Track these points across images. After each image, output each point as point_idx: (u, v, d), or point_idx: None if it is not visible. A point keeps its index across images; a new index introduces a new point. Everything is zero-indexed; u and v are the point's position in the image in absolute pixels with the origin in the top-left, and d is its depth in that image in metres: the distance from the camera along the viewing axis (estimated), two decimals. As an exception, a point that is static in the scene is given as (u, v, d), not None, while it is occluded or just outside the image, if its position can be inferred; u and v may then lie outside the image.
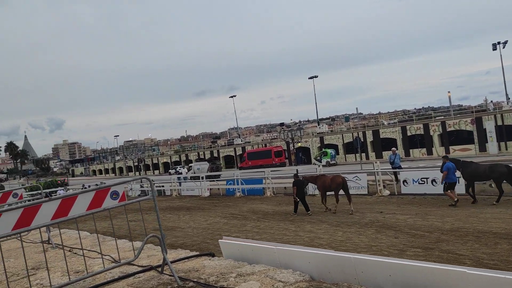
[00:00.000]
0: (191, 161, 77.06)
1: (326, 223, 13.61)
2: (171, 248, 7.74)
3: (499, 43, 48.40)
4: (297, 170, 26.15)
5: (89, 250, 6.82)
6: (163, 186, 33.23)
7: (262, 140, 78.51)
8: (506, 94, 49.19)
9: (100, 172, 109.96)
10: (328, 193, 16.41)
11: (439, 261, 7.95)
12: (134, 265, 5.60)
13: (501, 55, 48.68)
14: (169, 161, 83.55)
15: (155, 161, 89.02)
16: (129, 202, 5.23)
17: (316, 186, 16.79)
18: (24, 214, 4.22)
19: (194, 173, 41.76)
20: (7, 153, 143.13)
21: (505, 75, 48.70)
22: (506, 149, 39.18)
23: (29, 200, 11.27)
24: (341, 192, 15.87)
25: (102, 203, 4.67)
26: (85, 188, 28.87)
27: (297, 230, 12.89)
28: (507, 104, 45.15)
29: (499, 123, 39.99)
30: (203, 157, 75.21)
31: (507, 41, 48.26)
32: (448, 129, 44.20)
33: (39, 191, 20.16)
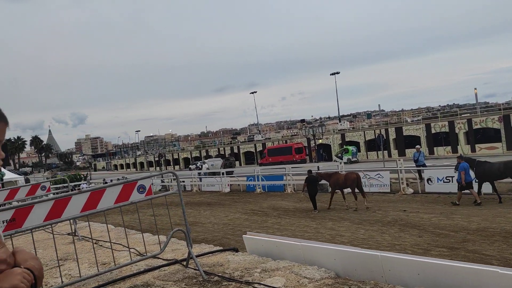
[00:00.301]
0: (211, 157, 77.57)
1: (348, 220, 13.51)
2: (193, 243, 7.82)
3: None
4: (317, 167, 26.02)
5: (114, 243, 6.93)
6: (183, 182, 33.52)
7: (282, 136, 78.34)
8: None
9: (122, 166, 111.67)
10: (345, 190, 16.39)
11: (465, 261, 7.80)
12: (159, 258, 5.67)
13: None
14: (189, 156, 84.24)
15: (175, 156, 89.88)
16: (155, 196, 5.28)
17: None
18: (55, 206, 4.31)
19: (208, 169, 42.15)
20: (32, 146, 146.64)
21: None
22: (535, 148, 38.13)
23: (55, 194, 11.53)
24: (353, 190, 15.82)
25: (129, 196, 4.73)
26: (106, 182, 29.27)
27: (318, 227, 12.82)
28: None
29: (529, 120, 38.93)
30: (223, 153, 75.60)
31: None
32: (475, 127, 43.20)
33: (65, 184, 20.62)
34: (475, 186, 15.17)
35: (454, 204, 14.52)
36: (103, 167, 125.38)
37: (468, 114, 48.19)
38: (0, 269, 1.06)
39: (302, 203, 17.69)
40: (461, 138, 44.12)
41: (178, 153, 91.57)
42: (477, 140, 43.48)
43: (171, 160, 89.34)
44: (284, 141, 65.48)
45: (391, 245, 9.72)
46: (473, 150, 42.69)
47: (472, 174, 15.05)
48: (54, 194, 11.57)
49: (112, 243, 6.49)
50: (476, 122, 43.19)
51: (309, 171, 17.13)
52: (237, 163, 71.63)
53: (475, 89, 62.60)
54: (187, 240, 5.03)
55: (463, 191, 14.61)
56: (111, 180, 33.03)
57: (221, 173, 30.79)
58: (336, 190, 16.81)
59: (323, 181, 20.91)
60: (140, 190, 4.82)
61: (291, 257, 4.95)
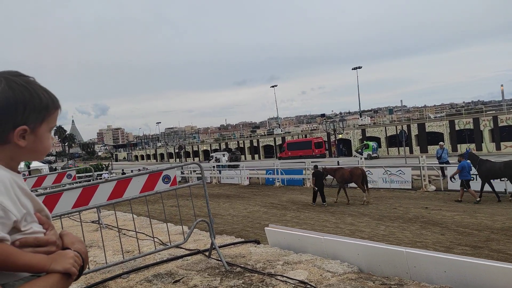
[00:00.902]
0: (230, 150, 78.00)
1: (367, 216, 13.43)
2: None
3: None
4: (337, 162, 25.87)
5: (138, 232, 7.04)
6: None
7: (302, 130, 78.02)
8: None
9: (142, 157, 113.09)
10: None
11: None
12: (182, 248, 5.74)
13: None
14: (209, 149, 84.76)
15: (195, 148, 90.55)
16: (180, 186, 5.33)
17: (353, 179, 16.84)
18: (83, 193, 4.40)
19: (226, 161, 42.58)
20: (56, 136, 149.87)
21: None
22: None
23: (79, 182, 11.76)
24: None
25: (154, 186, 4.80)
26: (124, 173, 29.66)
27: (338, 222, 12.78)
28: None
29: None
30: (242, 146, 75.83)
31: None
32: (500, 124, 42.19)
33: (88, 174, 21.04)
34: (500, 185, 15.10)
35: (457, 201, 14.80)
36: (124, 158, 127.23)
37: (494, 111, 47.04)
38: (50, 251, 1.08)
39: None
40: (486, 135, 43.17)
41: (198, 145, 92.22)
42: (503, 138, 42.46)
43: (190, 152, 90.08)
44: (303, 135, 65.21)
45: (412, 242, 9.62)
46: (498, 148, 41.73)
47: (475, 171, 15.55)
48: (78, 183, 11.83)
49: (135, 232, 6.60)
50: (502, 119, 42.16)
51: (315, 166, 17.61)
52: (256, 156, 71.87)
53: (502, 85, 60.94)
54: (210, 231, 5.07)
55: (465, 189, 15.09)
56: (132, 171, 33.51)
57: (240, 166, 30.91)
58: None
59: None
60: (165, 180, 4.88)
61: (313, 250, 4.94)
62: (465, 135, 45.54)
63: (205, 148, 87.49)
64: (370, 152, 47.15)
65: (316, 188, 16.50)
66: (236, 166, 34.82)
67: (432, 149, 36.89)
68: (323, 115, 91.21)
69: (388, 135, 52.55)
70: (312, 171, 17.27)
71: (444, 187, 18.03)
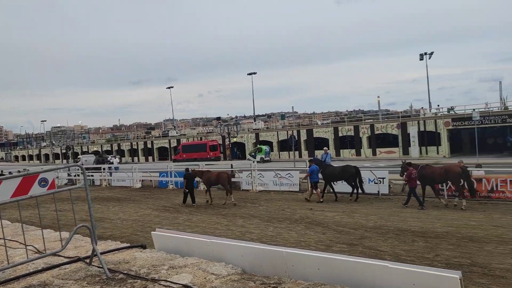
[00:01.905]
0: (123, 151, 74.83)
1: (257, 218, 13.87)
2: (99, 239, 7.50)
3: (425, 53, 51.78)
4: (231, 165, 26.34)
5: (9, 240, 6.42)
6: (92, 176, 31.91)
7: (198, 133, 77.81)
8: (429, 102, 52.88)
9: (24, 158, 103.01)
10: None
11: (362, 256, 8.43)
12: (60, 256, 5.37)
13: (427, 65, 52.25)
14: (100, 150, 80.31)
15: (84, 149, 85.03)
16: (59, 190, 4.99)
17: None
18: None
19: (83, 164, 40.96)
20: None
21: (429, 84, 52.31)
22: (427, 154, 42.10)
23: None
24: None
25: (29, 190, 4.42)
26: (3, 175, 26.85)
27: (229, 224, 13.02)
28: (429, 111, 48.49)
29: (422, 128, 42.86)
30: (136, 148, 73.31)
31: (432, 52, 51.80)
32: (376, 132, 46.59)
33: (-48, 176, 18.58)
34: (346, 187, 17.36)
35: (319, 202, 16.42)
36: (2, 158, 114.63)
37: (371, 120, 51.80)
38: None
39: (214, 200, 17.83)
40: (364, 142, 47.33)
41: (87, 146, 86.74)
42: (378, 144, 46.97)
43: (80, 153, 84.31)
44: (199, 138, 65.17)
45: (297, 241, 10.18)
46: (374, 153, 46.02)
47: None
48: None
49: (6, 240, 6.01)
50: (377, 127, 46.61)
51: (187, 169, 18.63)
52: (150, 158, 69.88)
53: (378, 97, 67.70)
54: (91, 237, 4.83)
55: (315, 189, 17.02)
56: (10, 172, 30.40)
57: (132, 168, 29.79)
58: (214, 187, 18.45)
59: (235, 179, 21.66)
60: (42, 183, 4.53)
61: (200, 254, 4.98)
62: (347, 141, 49.45)
63: (95, 148, 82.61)
64: (263, 156, 48.76)
65: (187, 190, 17.50)
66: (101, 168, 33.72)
67: (319, 153, 39.41)
68: (218, 118, 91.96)
69: (280, 139, 54.84)
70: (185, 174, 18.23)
71: (328, 189, 19.34)
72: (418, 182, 14.78)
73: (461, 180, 14.35)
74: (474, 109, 39.02)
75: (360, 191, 16.59)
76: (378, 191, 17.40)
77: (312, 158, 19.25)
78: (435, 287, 3.52)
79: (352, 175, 16.65)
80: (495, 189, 14.88)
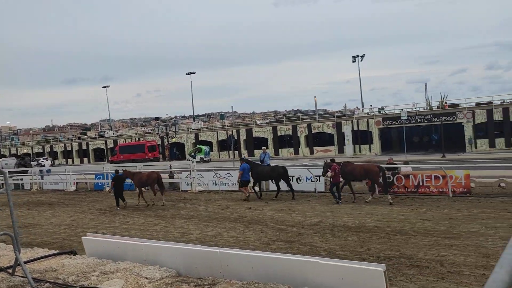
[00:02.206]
0: (56, 153, 71.10)
1: (197, 218, 13.77)
2: (27, 246, 7.08)
3: (358, 56, 54.03)
4: (170, 165, 25.94)
5: None
6: (21, 179, 30.02)
7: (136, 133, 75.65)
8: (362, 102, 55.21)
9: None
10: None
11: (299, 253, 8.63)
12: (-21, 267, 5.00)
13: (359, 67, 54.57)
14: (30, 152, 75.74)
15: (13, 151, 79.70)
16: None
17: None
18: None
19: (2, 168, 38.84)
20: None
21: (361, 85, 54.74)
22: (360, 152, 43.94)
23: None
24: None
25: None
26: None
27: (168, 226, 12.80)
28: (362, 111, 50.68)
29: (355, 128, 44.68)
30: (70, 149, 69.97)
31: (364, 55, 54.17)
32: (313, 131, 47.91)
33: None
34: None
35: (245, 200, 16.89)
36: None
37: (309, 120, 53.19)
38: None
39: (152, 201, 17.48)
40: (302, 141, 48.51)
41: (16, 148, 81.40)
42: (315, 143, 48.34)
43: (7, 155, 78.88)
44: (137, 139, 63.45)
45: (236, 241, 10.21)
46: (311, 152, 47.30)
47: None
48: None
49: None
50: (314, 127, 47.97)
51: (116, 171, 18.51)
52: (85, 160, 66.96)
53: (315, 97, 69.72)
54: (14, 245, 4.54)
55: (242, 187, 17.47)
56: None
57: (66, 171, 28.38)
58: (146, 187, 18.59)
59: (174, 180, 21.44)
60: (-44, 190, 4.18)
61: (134, 257, 4.86)
62: (286, 140, 50.41)
63: (25, 151, 77.70)
64: (203, 156, 48.46)
65: (112, 193, 17.51)
66: (25, 172, 32.06)
67: (258, 153, 39.87)
68: (157, 118, 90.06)
69: (219, 139, 54.75)
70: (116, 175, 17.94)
71: (267, 188, 19.61)
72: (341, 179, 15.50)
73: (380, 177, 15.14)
74: (402, 109, 41.34)
75: (289, 189, 17.13)
76: (315, 189, 17.89)
77: (242, 157, 19.81)
78: (361, 280, 3.69)
79: (280, 175, 17.14)
80: (421, 184, 15.84)
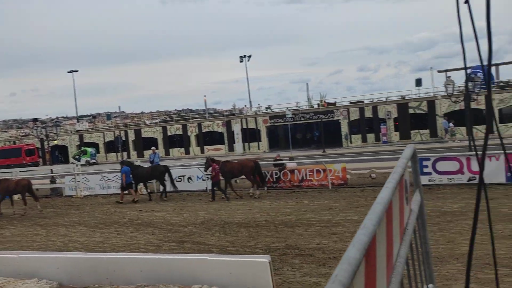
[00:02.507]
0: None
1: (83, 224, 13.08)
2: None
3: (245, 56, 55.52)
4: (51, 170, 24.08)
5: None
6: None
7: (11, 136, 68.38)
8: (250, 101, 56.87)
9: None
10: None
11: (191, 252, 8.69)
12: None
13: (246, 67, 56.12)
14: None
15: None
16: None
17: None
18: None
19: None
20: None
21: (249, 84, 56.42)
22: (249, 149, 45.26)
23: None
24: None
25: None
26: None
27: (50, 235, 11.95)
28: (250, 110, 52.26)
29: (244, 126, 45.90)
30: None
31: (251, 55, 55.84)
32: (204, 130, 48.09)
33: None
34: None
35: (118, 203, 16.63)
36: None
37: (199, 119, 53.23)
38: None
39: (32, 210, 16.10)
40: (193, 140, 48.43)
41: None
42: (206, 142, 48.60)
43: None
44: (12, 142, 57.62)
45: (126, 245, 9.90)
46: (202, 151, 47.45)
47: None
48: None
49: None
50: (205, 126, 48.22)
51: None
52: None
53: (205, 96, 70.04)
54: None
55: (124, 191, 17.11)
56: None
57: None
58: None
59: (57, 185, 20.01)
60: None
61: (7, 272, 4.48)
62: (176, 140, 49.85)
63: None
64: (89, 158, 45.79)
65: None
66: None
67: (148, 153, 38.84)
68: (35, 120, 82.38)
69: (106, 140, 52.08)
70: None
71: (157, 188, 19.23)
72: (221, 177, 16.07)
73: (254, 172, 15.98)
74: (287, 108, 43.62)
75: (173, 188, 17.18)
76: (206, 188, 18.03)
77: (122, 160, 19.61)
78: (249, 272, 3.92)
79: (161, 174, 17.10)
80: (305, 178, 16.94)
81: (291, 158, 20.60)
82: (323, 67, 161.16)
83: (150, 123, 57.42)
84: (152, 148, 22.35)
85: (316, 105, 46.47)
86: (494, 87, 38.49)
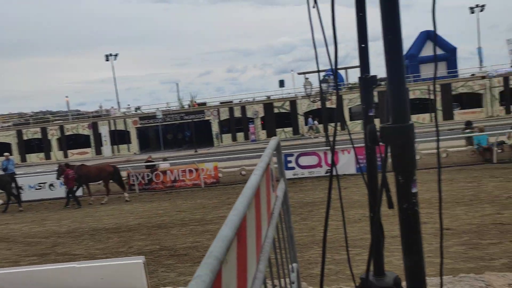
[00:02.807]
0: None
1: None
2: None
3: (111, 55, 52.79)
4: None
5: None
6: None
7: None
8: (118, 102, 54.33)
9: None
10: None
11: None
12: None
13: (113, 66, 53.36)
14: None
15: None
16: None
17: None
18: None
19: None
20: None
21: (117, 84, 53.85)
22: (119, 152, 43.29)
23: None
24: None
25: None
26: None
27: None
28: (119, 111, 49.98)
29: (112, 128, 43.74)
30: None
31: (117, 54, 53.29)
32: (67, 133, 44.55)
33: None
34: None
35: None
36: None
37: (61, 121, 49.11)
38: None
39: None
40: (54, 144, 44.55)
41: None
42: (70, 146, 45.09)
43: None
44: None
45: (-26, 265, 8.75)
46: (66, 156, 43.95)
47: None
48: None
49: None
50: (68, 128, 44.69)
51: None
52: None
53: (67, 97, 64.71)
54: None
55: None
56: None
57: None
58: None
59: None
60: None
61: None
62: (34, 144, 45.32)
63: None
64: None
65: None
66: None
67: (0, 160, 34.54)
68: None
69: None
70: None
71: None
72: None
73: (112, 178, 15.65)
74: (157, 109, 42.81)
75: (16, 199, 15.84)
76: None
77: None
78: (123, 275, 3.83)
79: (8, 183, 15.68)
80: (178, 178, 16.89)
81: (165, 159, 20.32)
82: (193, 68, 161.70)
83: (2, 127, 51.10)
84: (5, 154, 19.94)
85: (187, 106, 46.49)
86: (344, 88, 43.09)
